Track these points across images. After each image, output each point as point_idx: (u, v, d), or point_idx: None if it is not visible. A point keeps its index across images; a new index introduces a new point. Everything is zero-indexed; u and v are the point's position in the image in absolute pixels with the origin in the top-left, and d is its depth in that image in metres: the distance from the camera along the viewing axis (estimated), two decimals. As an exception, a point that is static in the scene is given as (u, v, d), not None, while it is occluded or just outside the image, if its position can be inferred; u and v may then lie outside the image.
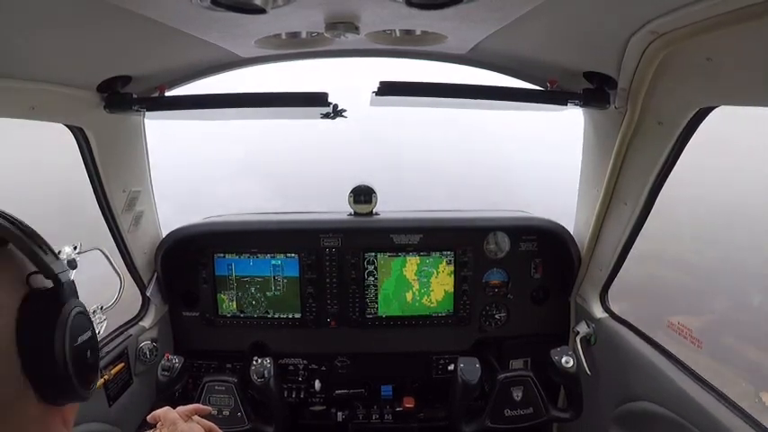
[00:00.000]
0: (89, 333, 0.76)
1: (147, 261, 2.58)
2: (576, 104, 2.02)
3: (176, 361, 2.24)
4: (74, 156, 2.04)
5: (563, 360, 2.20)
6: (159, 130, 2.53)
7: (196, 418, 1.46)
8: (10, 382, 0.65)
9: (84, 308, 0.76)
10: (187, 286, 2.74)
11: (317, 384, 2.77)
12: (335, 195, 2.85)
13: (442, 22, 1.62)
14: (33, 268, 0.70)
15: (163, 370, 2.22)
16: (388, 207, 2.81)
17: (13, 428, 0.65)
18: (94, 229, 2.26)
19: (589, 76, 1.92)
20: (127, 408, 2.30)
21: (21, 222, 0.71)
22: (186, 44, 1.68)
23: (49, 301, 0.70)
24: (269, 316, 2.73)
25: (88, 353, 0.75)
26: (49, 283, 0.71)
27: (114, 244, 2.38)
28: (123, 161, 2.27)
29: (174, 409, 1.43)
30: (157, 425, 1.39)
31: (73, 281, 0.74)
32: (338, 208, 2.79)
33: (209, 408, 1.57)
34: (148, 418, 1.43)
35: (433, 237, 2.71)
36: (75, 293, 0.75)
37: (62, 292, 0.71)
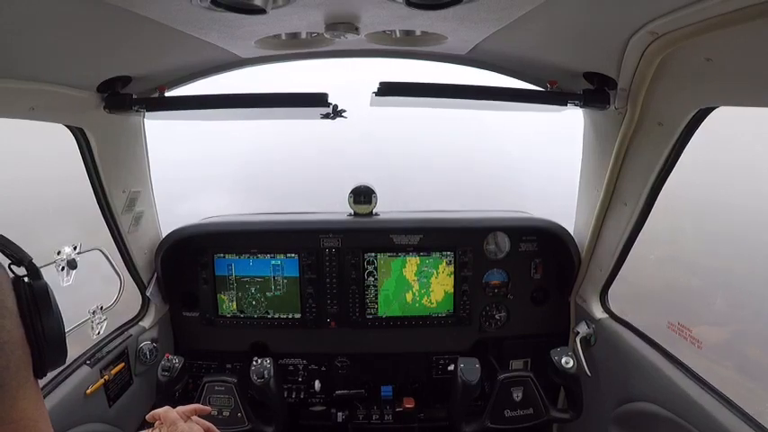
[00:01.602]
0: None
1: (147, 261, 2.58)
2: (576, 105, 2.02)
3: (176, 361, 2.24)
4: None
5: (563, 360, 2.20)
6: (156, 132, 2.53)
7: (195, 418, 1.46)
8: (16, 351, 0.75)
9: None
10: (187, 286, 2.74)
11: (317, 385, 2.77)
12: (335, 196, 2.85)
13: (441, 23, 1.61)
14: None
15: (163, 370, 2.22)
16: (387, 207, 2.81)
17: (13, 398, 0.75)
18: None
19: (589, 76, 1.92)
20: (127, 408, 2.30)
21: None
22: (186, 44, 1.68)
23: (36, 281, 0.82)
24: (269, 316, 2.73)
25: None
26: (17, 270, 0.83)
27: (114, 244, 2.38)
28: (123, 161, 2.27)
29: (174, 408, 1.43)
30: (156, 424, 1.40)
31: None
32: (338, 208, 2.79)
33: (209, 408, 1.57)
34: (148, 417, 1.43)
35: (433, 237, 2.71)
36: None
37: (40, 274, 0.83)
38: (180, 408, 1.44)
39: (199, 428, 1.40)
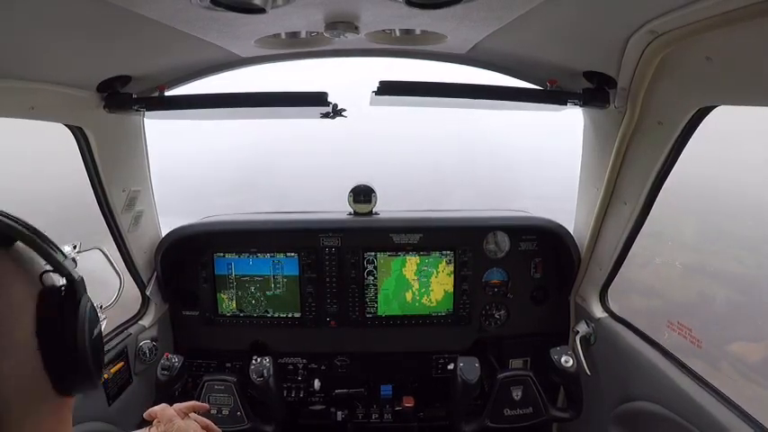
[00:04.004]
0: (100, 324, 0.77)
1: (146, 260, 2.58)
2: (576, 104, 2.02)
3: (176, 360, 2.24)
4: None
5: (562, 359, 2.20)
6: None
7: (193, 415, 1.46)
8: (31, 379, 0.65)
9: (92, 301, 0.77)
10: (187, 285, 2.74)
11: (317, 384, 2.77)
12: (335, 195, 2.85)
13: (441, 22, 1.62)
14: (42, 267, 0.70)
15: (162, 369, 2.22)
16: (387, 206, 2.81)
17: (31, 423, 0.65)
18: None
19: (589, 75, 1.92)
20: (126, 407, 2.30)
21: (26, 222, 0.70)
22: (186, 44, 1.68)
23: (67, 298, 0.70)
24: (268, 315, 2.73)
25: (101, 343, 0.77)
26: (57, 280, 0.71)
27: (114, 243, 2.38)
28: (123, 161, 2.27)
29: (172, 406, 1.44)
30: (154, 422, 1.40)
31: (82, 277, 0.74)
32: (338, 208, 2.80)
33: (207, 405, 1.57)
34: (145, 415, 1.43)
35: (433, 236, 2.71)
36: (85, 288, 0.75)
37: (77, 288, 0.72)
38: (177, 405, 1.45)
39: (196, 425, 1.40)
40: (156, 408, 1.42)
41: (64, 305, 0.69)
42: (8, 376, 0.62)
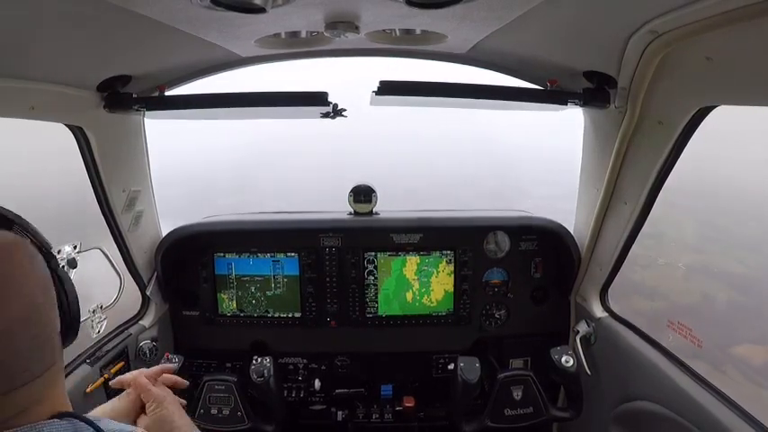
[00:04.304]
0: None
1: (147, 260, 2.58)
2: (576, 104, 2.02)
3: (176, 360, 2.24)
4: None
5: (563, 359, 2.20)
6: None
7: (163, 377, 1.45)
8: (56, 338, 0.81)
9: None
10: (187, 285, 2.74)
11: (317, 383, 2.77)
12: (335, 195, 2.84)
13: (442, 22, 1.62)
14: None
15: (163, 369, 2.22)
16: (387, 206, 2.81)
17: (59, 371, 0.82)
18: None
19: (589, 75, 1.92)
20: None
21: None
22: (186, 44, 1.69)
23: (58, 267, 0.86)
24: (269, 315, 2.73)
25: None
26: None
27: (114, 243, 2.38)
28: (123, 161, 2.27)
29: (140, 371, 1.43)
30: (125, 390, 1.38)
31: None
32: (338, 207, 2.80)
33: (174, 365, 1.58)
34: (113, 383, 1.42)
35: (433, 236, 2.71)
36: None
37: (55, 260, 0.87)
38: (145, 371, 1.42)
39: (170, 392, 1.39)
40: (126, 375, 1.40)
41: (60, 274, 0.85)
42: (53, 321, 0.80)
